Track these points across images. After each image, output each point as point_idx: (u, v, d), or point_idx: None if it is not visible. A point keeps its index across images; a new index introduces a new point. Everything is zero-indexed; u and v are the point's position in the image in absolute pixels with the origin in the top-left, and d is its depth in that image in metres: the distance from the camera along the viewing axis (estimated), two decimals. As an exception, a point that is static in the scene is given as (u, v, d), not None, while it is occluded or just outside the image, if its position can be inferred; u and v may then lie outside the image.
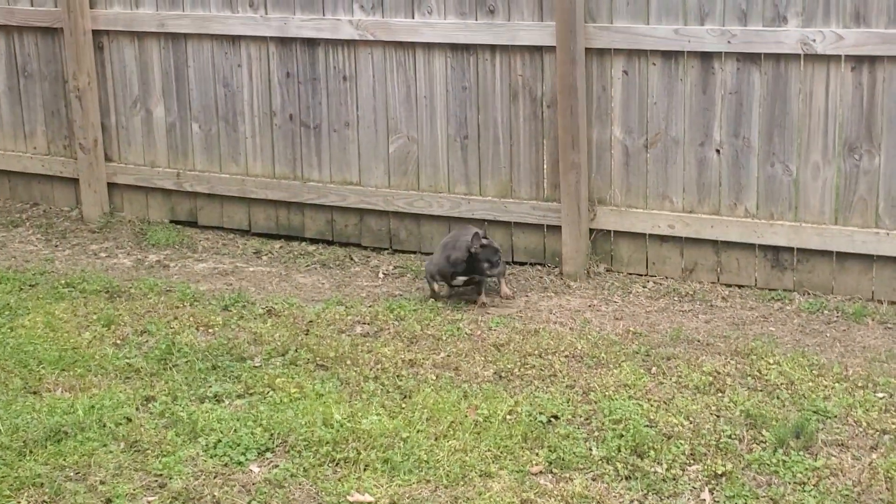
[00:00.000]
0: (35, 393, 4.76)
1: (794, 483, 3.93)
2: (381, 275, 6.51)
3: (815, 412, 4.45)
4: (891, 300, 5.77)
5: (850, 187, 5.80)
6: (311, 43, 6.84)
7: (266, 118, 7.06)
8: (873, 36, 5.56)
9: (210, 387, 4.81)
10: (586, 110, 6.21)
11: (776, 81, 5.83)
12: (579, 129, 6.17)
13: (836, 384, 4.74)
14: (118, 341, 5.33)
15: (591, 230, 6.32)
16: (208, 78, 7.17)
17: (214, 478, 4.04)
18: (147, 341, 5.34)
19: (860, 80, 5.67)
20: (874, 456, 4.10)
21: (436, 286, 6.00)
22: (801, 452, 4.12)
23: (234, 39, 7.04)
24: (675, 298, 6.01)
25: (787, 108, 5.84)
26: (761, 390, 4.70)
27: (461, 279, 5.90)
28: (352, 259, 6.77)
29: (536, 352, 5.17)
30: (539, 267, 6.48)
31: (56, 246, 7.15)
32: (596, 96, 6.22)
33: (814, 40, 5.66)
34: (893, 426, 4.32)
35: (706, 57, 5.94)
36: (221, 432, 4.33)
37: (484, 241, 5.82)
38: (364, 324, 5.59)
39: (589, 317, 5.73)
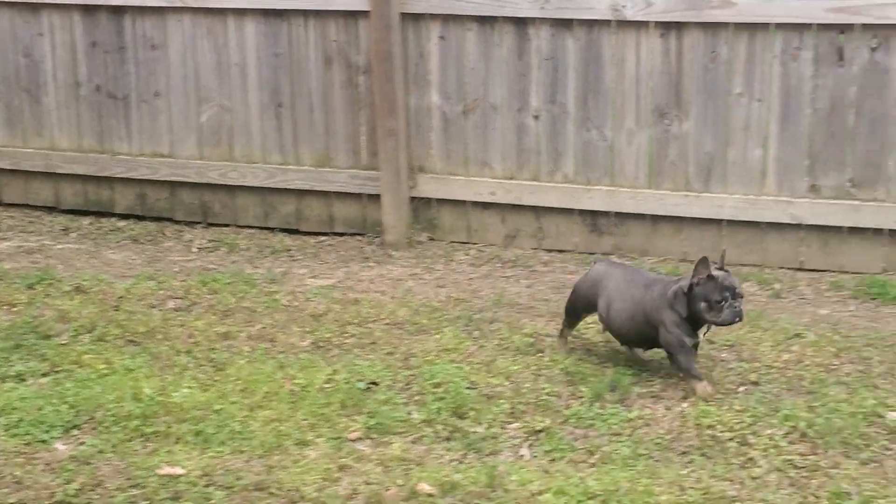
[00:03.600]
0: None
1: (610, 434, 3.96)
2: (194, 249, 6.33)
3: (629, 367, 4.50)
4: (702, 260, 5.91)
5: (661, 152, 5.91)
6: (117, 11, 6.56)
7: (71, 89, 6.74)
8: (680, 2, 5.67)
9: (13, 366, 4.55)
10: (403, 76, 6.14)
11: (589, 47, 5.88)
12: (396, 96, 6.10)
13: (652, 340, 4.82)
14: None
15: (411, 198, 6.26)
16: (7, 48, 6.81)
17: (16, 457, 3.82)
18: (-59, 322, 5.03)
19: (668, 46, 5.77)
20: (685, 405, 4.17)
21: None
22: (617, 405, 4.17)
23: (35, 7, 6.69)
24: (498, 265, 6.02)
25: (600, 74, 5.90)
26: (578, 348, 4.74)
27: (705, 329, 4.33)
28: (164, 234, 6.56)
29: (356, 321, 5.09)
30: (360, 237, 6.40)
31: None
32: (413, 62, 6.16)
33: (623, 6, 5.73)
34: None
35: (521, 23, 5.94)
36: (24, 411, 4.10)
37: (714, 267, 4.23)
38: (177, 298, 5.40)
39: (411, 285, 5.68)
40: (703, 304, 4.15)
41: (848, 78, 5.57)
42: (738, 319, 4.16)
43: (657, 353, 4.50)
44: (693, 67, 5.76)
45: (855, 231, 5.68)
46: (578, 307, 4.66)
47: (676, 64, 5.78)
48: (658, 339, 4.32)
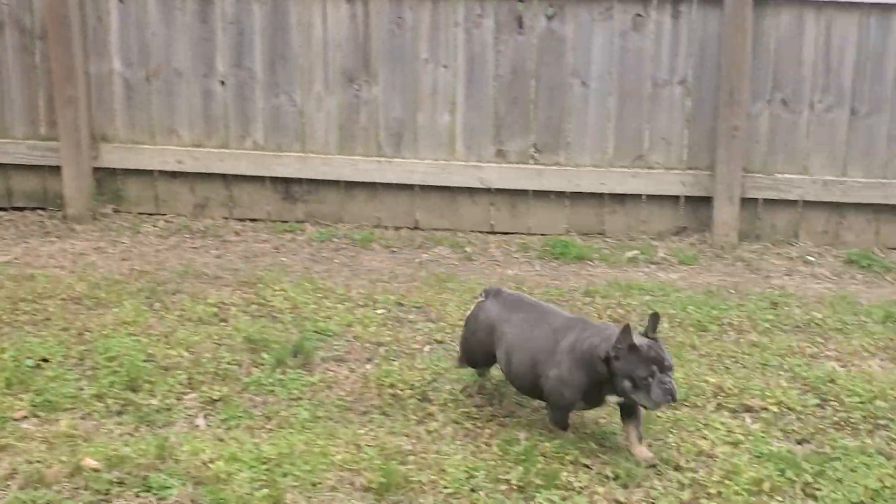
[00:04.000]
0: None
1: (290, 399, 3.91)
2: None
3: (315, 332, 4.47)
4: (396, 225, 5.95)
5: (352, 117, 5.89)
6: None
7: None
8: (365, -33, 5.67)
9: None
10: (82, 42, 5.84)
11: (275, 12, 5.78)
12: (75, 63, 5.79)
13: (339, 305, 4.81)
14: None
15: (94, 169, 5.98)
16: None
17: None
18: None
19: (355, 11, 5.75)
20: (368, 367, 4.18)
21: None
22: (299, 370, 4.12)
23: None
24: (187, 235, 5.85)
25: (287, 38, 5.81)
26: (265, 316, 4.66)
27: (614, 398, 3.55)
28: None
29: (30, 297, 4.81)
30: (41, 211, 6.07)
31: None
32: (92, 27, 5.86)
33: (309, -30, 5.67)
34: (388, 338, 4.44)
35: (204, -14, 5.78)
36: None
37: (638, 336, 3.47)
38: None
39: (93, 259, 5.42)
40: (627, 384, 3.39)
41: (528, 46, 5.73)
42: (669, 399, 3.38)
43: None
44: (380, 33, 5.77)
45: (540, 194, 5.87)
46: (478, 359, 3.93)
47: (364, 29, 5.77)
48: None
